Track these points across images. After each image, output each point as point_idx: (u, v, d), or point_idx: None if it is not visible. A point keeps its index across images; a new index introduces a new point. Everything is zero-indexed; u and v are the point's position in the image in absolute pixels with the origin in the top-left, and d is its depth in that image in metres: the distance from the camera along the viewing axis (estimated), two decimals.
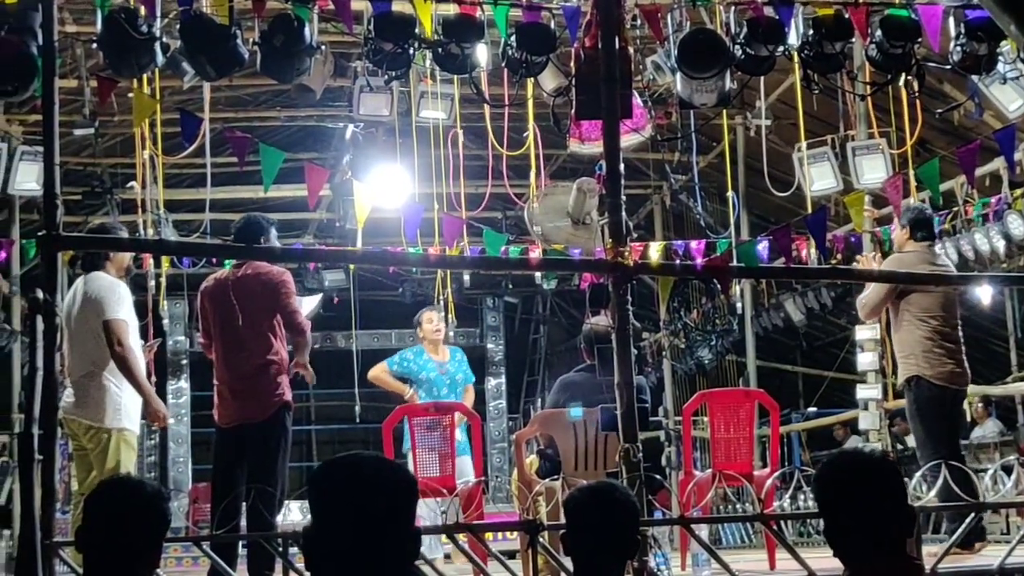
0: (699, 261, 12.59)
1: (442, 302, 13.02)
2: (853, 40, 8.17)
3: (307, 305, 8.96)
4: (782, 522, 7.69)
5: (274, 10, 7.89)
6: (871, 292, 8.78)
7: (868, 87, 9.39)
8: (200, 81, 8.67)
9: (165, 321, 15.45)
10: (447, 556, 9.81)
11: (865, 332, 11.86)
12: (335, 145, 15.60)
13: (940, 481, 7.04)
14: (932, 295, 8.53)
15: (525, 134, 10.69)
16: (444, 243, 10.48)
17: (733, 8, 8.17)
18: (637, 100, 9.01)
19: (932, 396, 8.46)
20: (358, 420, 16.54)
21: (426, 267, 14.80)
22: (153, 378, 11.74)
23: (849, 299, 14.18)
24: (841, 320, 17.33)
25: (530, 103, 9.87)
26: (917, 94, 8.87)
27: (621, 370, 6.59)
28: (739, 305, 15.20)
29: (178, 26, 7.56)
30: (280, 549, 6.59)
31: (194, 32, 7.46)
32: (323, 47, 8.27)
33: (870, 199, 11.11)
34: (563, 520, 4.44)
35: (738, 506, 13.04)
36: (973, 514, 7.00)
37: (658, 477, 7.23)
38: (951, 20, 7.95)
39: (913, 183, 10.40)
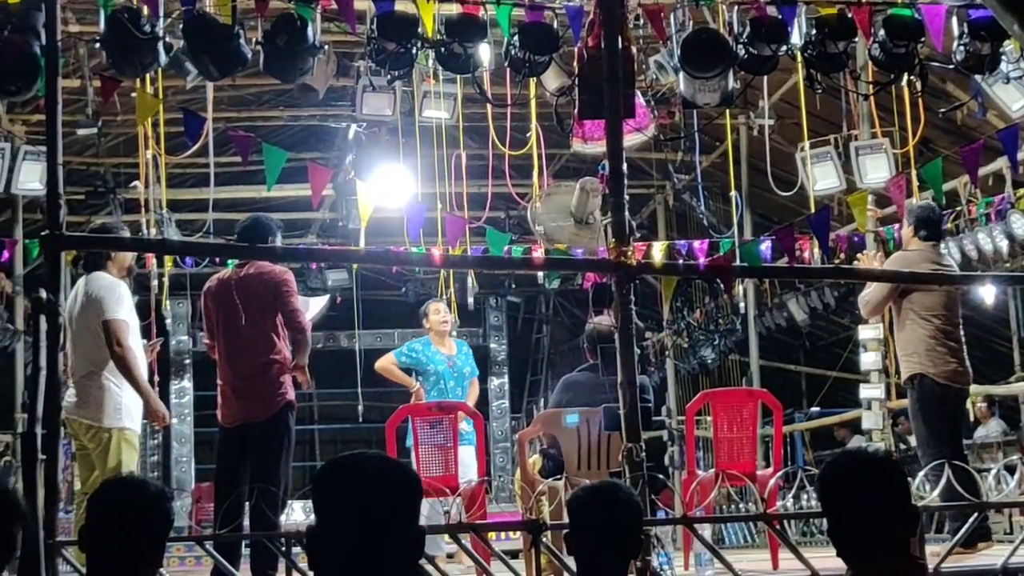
0: (702, 261, 12.60)
1: (445, 300, 13.00)
2: (856, 39, 8.18)
3: (315, 306, 8.95)
4: (785, 522, 7.68)
5: (277, 10, 7.90)
6: (873, 289, 8.78)
7: (871, 86, 9.40)
8: (203, 81, 8.67)
9: (168, 321, 15.48)
10: (450, 555, 9.81)
11: (868, 332, 11.85)
12: (338, 145, 15.61)
13: (943, 481, 7.04)
14: (935, 294, 8.52)
15: (528, 134, 10.69)
16: (447, 243, 10.49)
17: (736, 7, 8.16)
18: (640, 100, 9.00)
19: (935, 395, 8.45)
20: (361, 420, 16.55)
21: (429, 267, 14.80)
22: (156, 377, 11.79)
23: (852, 299, 14.17)
24: (844, 320, 17.32)
25: (533, 103, 9.88)
26: (920, 93, 8.87)
27: (624, 370, 6.58)
28: (742, 305, 15.20)
29: (181, 26, 7.57)
30: (283, 549, 6.58)
31: (197, 32, 7.47)
32: (326, 47, 8.27)
33: (873, 199, 11.10)
34: (566, 520, 4.45)
35: (741, 506, 13.03)
36: (976, 514, 7.00)
37: (661, 477, 7.24)
38: (954, 19, 7.95)
39: (916, 183, 10.40)
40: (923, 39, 7.95)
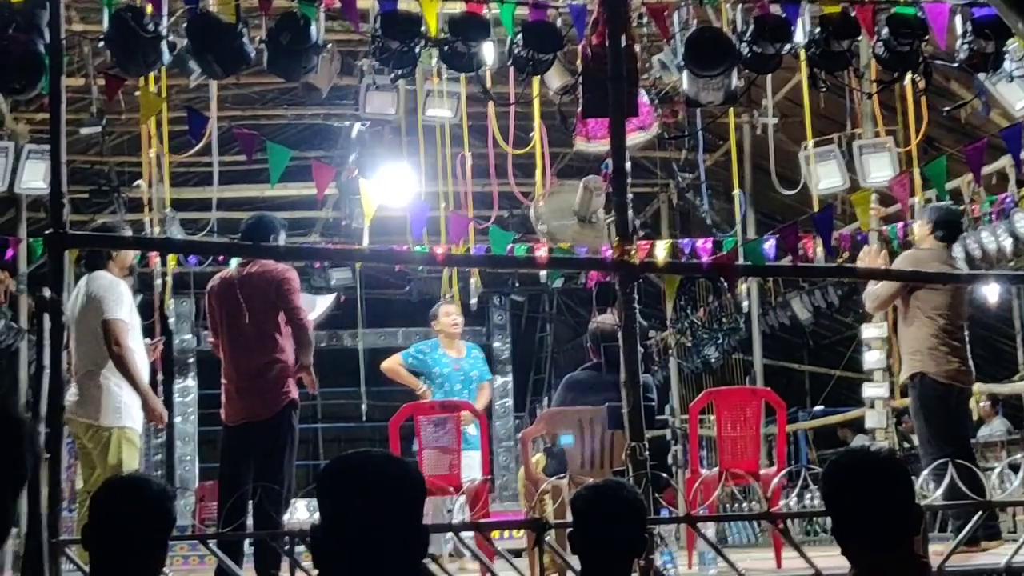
0: (706, 259, 12.60)
1: (453, 301, 12.99)
2: (860, 38, 8.16)
3: (321, 304, 8.97)
4: (789, 520, 7.67)
5: (280, 8, 7.92)
6: (882, 285, 8.78)
7: (875, 85, 9.38)
8: (207, 79, 8.68)
9: (171, 320, 15.48)
10: (451, 555, 9.80)
11: (872, 331, 11.84)
12: (341, 143, 15.59)
13: (947, 479, 7.04)
14: (942, 293, 8.54)
15: (531, 132, 10.68)
16: (450, 241, 10.48)
17: (740, 6, 8.16)
18: (644, 98, 9.01)
19: (936, 394, 8.48)
20: (364, 418, 16.56)
21: (432, 265, 14.79)
22: (160, 376, 11.80)
23: (855, 297, 14.16)
24: (848, 318, 17.30)
25: (536, 101, 9.87)
26: (924, 92, 8.86)
27: (627, 368, 6.58)
28: (746, 303, 15.18)
29: (185, 24, 7.57)
30: (287, 547, 6.59)
31: (201, 30, 7.48)
32: (329, 45, 8.27)
33: (877, 197, 11.10)
34: (569, 518, 4.47)
35: (745, 504, 13.05)
36: (980, 512, 6.99)
37: (664, 475, 7.23)
38: (958, 18, 7.95)
39: (919, 181, 10.38)
40: (927, 37, 7.93)
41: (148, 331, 9.01)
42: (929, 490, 7.53)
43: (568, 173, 13.67)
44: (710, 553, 7.51)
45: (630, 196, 6.81)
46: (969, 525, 6.93)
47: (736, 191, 12.52)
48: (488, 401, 10.48)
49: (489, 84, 8.76)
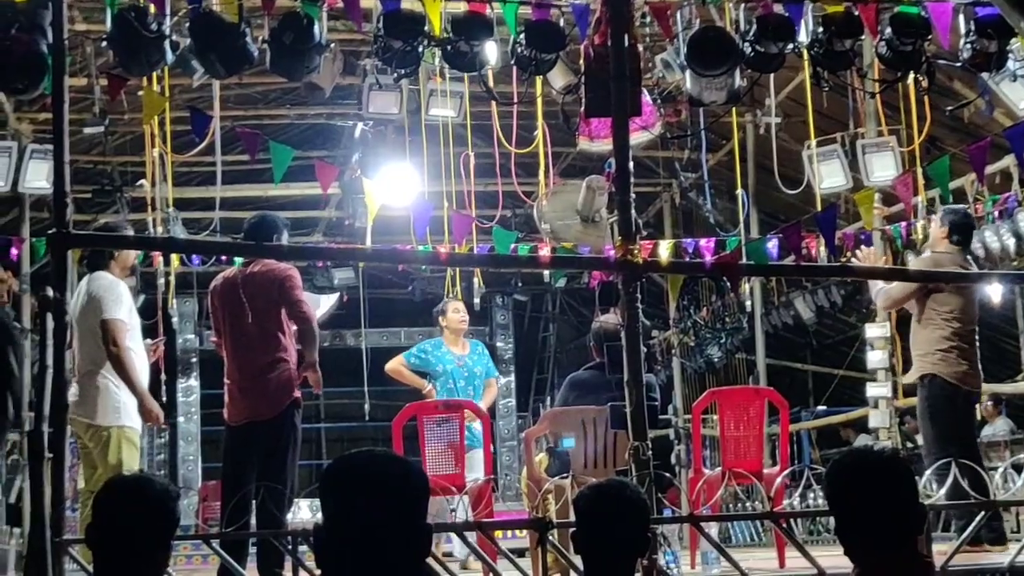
0: (709, 259, 12.57)
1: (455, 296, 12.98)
2: (863, 37, 8.18)
3: (325, 304, 8.97)
4: (792, 520, 7.67)
5: (283, 8, 7.91)
6: (897, 285, 8.82)
7: (878, 84, 9.37)
8: (210, 79, 8.69)
9: (174, 319, 15.44)
10: (447, 554, 9.79)
11: (875, 330, 11.83)
12: (344, 143, 15.60)
13: (950, 479, 7.04)
14: (956, 296, 8.60)
15: (534, 132, 10.68)
16: (453, 241, 10.48)
17: (743, 5, 8.16)
18: (647, 98, 9.00)
19: (945, 394, 8.51)
20: (367, 418, 16.53)
21: (435, 265, 14.79)
22: (163, 376, 11.79)
23: (859, 297, 14.17)
24: (851, 318, 17.30)
25: (539, 101, 9.85)
26: (927, 91, 8.86)
27: (630, 368, 6.58)
28: (749, 303, 15.16)
29: (188, 24, 7.56)
30: (290, 547, 6.58)
31: (203, 30, 7.48)
32: (332, 45, 8.27)
33: (880, 197, 11.09)
34: (573, 518, 4.44)
35: (748, 504, 13.02)
36: (983, 512, 6.98)
37: (668, 475, 7.22)
38: (961, 17, 7.94)
39: (922, 181, 10.38)
40: (930, 37, 7.93)
41: (151, 331, 9.02)
42: (933, 490, 7.53)
43: (571, 172, 13.69)
44: (713, 553, 7.50)
45: (633, 195, 6.79)
46: (972, 525, 6.92)
47: (739, 190, 12.51)
48: (495, 397, 10.48)
49: (492, 84, 8.75)
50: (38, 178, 10.76)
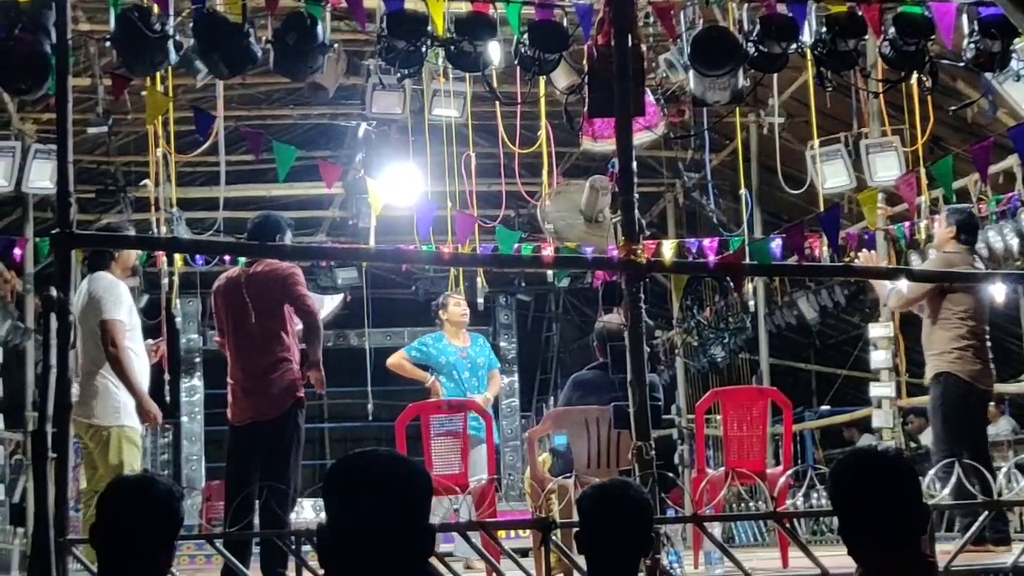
0: (712, 259, 12.55)
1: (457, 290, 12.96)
2: (866, 37, 8.15)
3: (329, 304, 8.95)
4: (795, 520, 7.68)
5: (287, 8, 7.90)
6: (910, 285, 8.82)
7: (881, 84, 9.36)
8: (213, 79, 8.69)
9: (178, 319, 15.46)
10: (448, 554, 9.78)
11: (878, 330, 11.83)
12: (348, 143, 15.61)
13: (953, 479, 7.04)
14: (970, 295, 8.61)
15: (538, 132, 10.68)
16: (457, 241, 10.48)
17: (746, 5, 8.15)
18: (650, 98, 9.01)
19: (959, 393, 8.52)
20: (371, 418, 16.53)
21: (439, 265, 14.80)
22: (166, 376, 11.78)
23: (862, 297, 14.17)
24: (854, 318, 17.28)
25: (542, 101, 9.86)
26: (930, 91, 8.85)
27: (634, 368, 6.58)
28: (752, 303, 15.15)
29: (191, 24, 7.56)
30: (293, 547, 6.59)
31: (207, 30, 7.46)
32: (336, 45, 8.28)
33: (883, 197, 11.09)
34: (576, 518, 4.44)
35: (751, 504, 13.03)
36: (987, 512, 6.98)
37: (671, 475, 7.23)
38: (964, 17, 7.92)
39: (926, 180, 10.38)
40: (933, 37, 7.92)
41: (154, 331, 9.02)
42: (936, 489, 7.52)
43: (574, 172, 13.69)
44: (716, 553, 7.49)
45: (636, 195, 6.80)
46: (976, 524, 6.92)
47: (742, 190, 12.50)
48: (499, 389, 10.48)
49: (495, 84, 8.75)
50: (42, 178, 10.77)
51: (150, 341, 8.53)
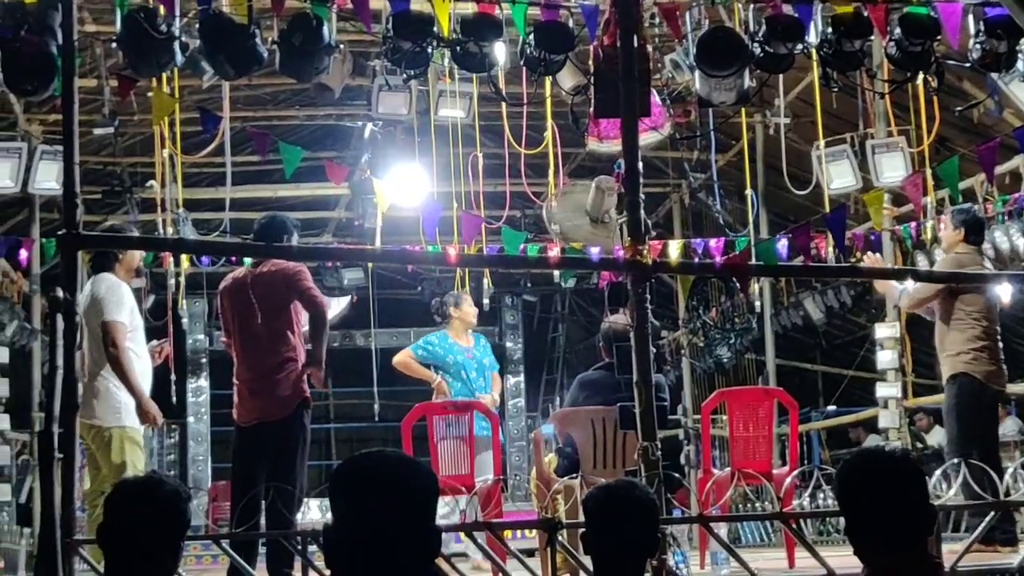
0: (718, 259, 12.59)
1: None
2: (872, 38, 8.13)
3: (336, 307, 8.94)
4: (801, 521, 7.64)
5: (293, 9, 7.90)
6: (921, 285, 8.84)
7: (887, 85, 9.35)
8: (219, 80, 8.67)
9: (184, 320, 15.48)
10: (462, 553, 9.79)
11: (885, 330, 11.82)
12: (354, 144, 15.58)
13: (959, 479, 7.03)
14: (982, 296, 8.64)
15: (543, 133, 10.67)
16: (463, 241, 10.48)
17: (752, 6, 8.15)
18: (656, 98, 8.98)
19: (973, 393, 8.53)
20: (377, 418, 16.53)
21: (445, 265, 14.80)
22: (172, 376, 11.79)
23: (868, 297, 14.15)
24: (860, 318, 17.26)
25: (548, 101, 9.86)
26: (936, 92, 8.84)
27: (640, 368, 6.57)
28: (758, 303, 15.16)
29: (197, 25, 7.56)
30: (299, 547, 6.58)
31: (213, 31, 7.46)
32: (342, 46, 8.25)
33: (889, 197, 11.08)
34: (582, 518, 4.46)
35: (757, 505, 13.03)
36: (993, 512, 6.97)
37: (677, 475, 7.22)
38: (970, 17, 7.91)
39: (932, 181, 10.36)
40: (939, 37, 7.90)
41: (161, 331, 9.02)
42: (943, 490, 7.51)
43: (580, 173, 13.66)
44: (722, 553, 7.50)
45: (642, 196, 6.79)
46: (982, 525, 6.92)
47: (748, 191, 12.50)
48: (500, 391, 10.49)
49: (501, 84, 8.75)
50: (48, 179, 10.76)
51: (155, 342, 8.53)
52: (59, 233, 6.48)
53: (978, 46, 7.93)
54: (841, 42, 7.82)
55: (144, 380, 8.02)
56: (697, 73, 7.97)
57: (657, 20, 8.98)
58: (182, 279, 13.11)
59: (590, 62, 7.30)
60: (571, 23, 7.98)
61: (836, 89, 8.59)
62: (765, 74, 8.32)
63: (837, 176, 11.00)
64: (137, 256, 8.38)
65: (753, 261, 9.54)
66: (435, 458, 8.28)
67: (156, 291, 13.49)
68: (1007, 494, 7.01)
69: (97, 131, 11.78)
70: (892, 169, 10.45)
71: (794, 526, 7.15)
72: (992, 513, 6.95)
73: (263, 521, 7.27)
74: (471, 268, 13.12)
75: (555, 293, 20.79)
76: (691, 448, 14.57)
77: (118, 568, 3.66)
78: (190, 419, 18.01)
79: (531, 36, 7.80)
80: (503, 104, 9.81)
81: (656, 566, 5.92)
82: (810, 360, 19.86)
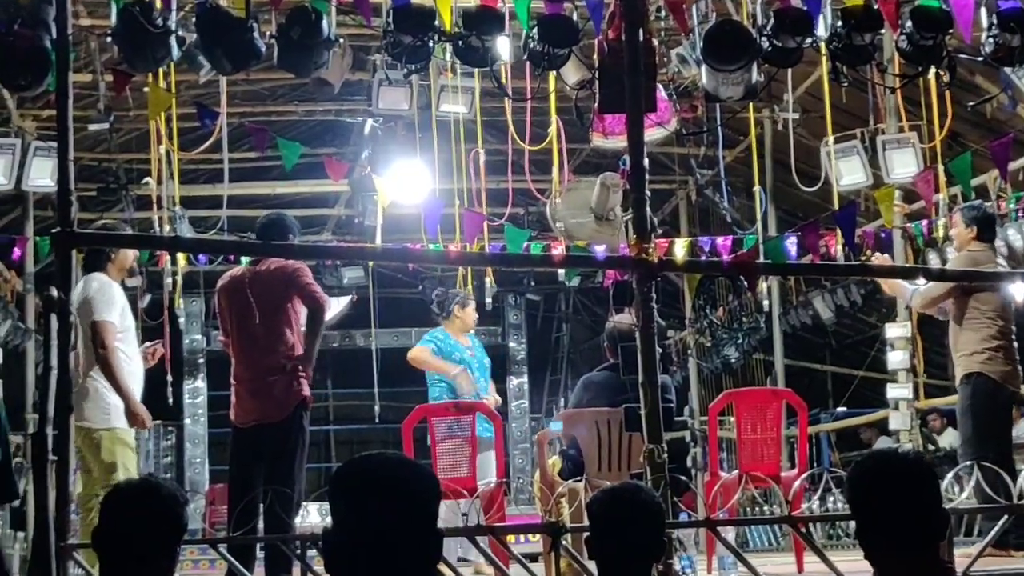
0: (725, 258, 12.49)
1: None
2: (883, 31, 8.06)
3: (336, 306, 8.92)
4: (810, 524, 7.60)
5: (291, 3, 7.89)
6: (934, 284, 8.82)
7: (898, 79, 9.30)
8: (216, 75, 8.67)
9: (181, 319, 15.43)
10: (462, 559, 9.71)
11: (896, 330, 11.77)
12: (354, 140, 15.57)
13: (972, 482, 6.97)
14: (997, 295, 8.64)
15: (547, 128, 10.62)
16: (465, 240, 10.43)
17: None
18: (662, 93, 8.94)
19: (988, 392, 8.51)
20: (377, 420, 16.50)
21: (446, 264, 14.74)
22: (169, 377, 11.72)
23: (879, 296, 14.05)
24: (871, 318, 17.25)
25: (552, 97, 9.86)
26: (948, 86, 8.78)
27: (645, 369, 6.54)
28: (766, 303, 15.07)
29: (194, 19, 7.52)
30: (298, 551, 6.56)
31: (210, 25, 7.42)
32: (341, 40, 8.20)
33: (900, 194, 10.99)
34: (586, 522, 4.45)
35: (765, 508, 12.93)
36: (1007, 516, 6.89)
37: (683, 478, 7.19)
38: (983, 11, 7.84)
39: (944, 177, 10.29)
40: (951, 31, 7.82)
41: (157, 331, 8.93)
42: (955, 493, 7.44)
43: (585, 169, 13.65)
44: (730, 558, 7.47)
45: (648, 193, 6.76)
46: (996, 529, 6.85)
47: (756, 188, 12.43)
48: (494, 390, 10.51)
49: (504, 79, 8.68)
50: (42, 176, 10.78)
51: (147, 344, 8.47)
52: (53, 231, 6.53)
53: (991, 40, 7.84)
54: (851, 36, 7.73)
55: (134, 382, 7.98)
56: (704, 67, 7.89)
57: (663, 13, 8.96)
58: (179, 278, 13.12)
59: (595, 56, 7.30)
60: (575, 16, 7.90)
61: (846, 84, 8.51)
62: (773, 68, 8.28)
63: (847, 172, 10.95)
64: (130, 255, 8.36)
65: (761, 259, 9.52)
66: (436, 460, 8.21)
67: (152, 290, 13.41)
68: (1021, 497, 6.93)
69: (92, 127, 11.83)
70: (903, 165, 10.39)
71: (803, 530, 7.13)
72: (1006, 517, 6.90)
73: (261, 525, 7.26)
74: (473, 267, 13.10)
75: (559, 292, 20.78)
76: (698, 450, 14.47)
77: (113, 572, 3.68)
78: (187, 421, 17.94)
79: (534, 30, 7.72)
80: (506, 99, 9.78)
81: (662, 571, 5.91)
82: (819, 360, 19.86)
